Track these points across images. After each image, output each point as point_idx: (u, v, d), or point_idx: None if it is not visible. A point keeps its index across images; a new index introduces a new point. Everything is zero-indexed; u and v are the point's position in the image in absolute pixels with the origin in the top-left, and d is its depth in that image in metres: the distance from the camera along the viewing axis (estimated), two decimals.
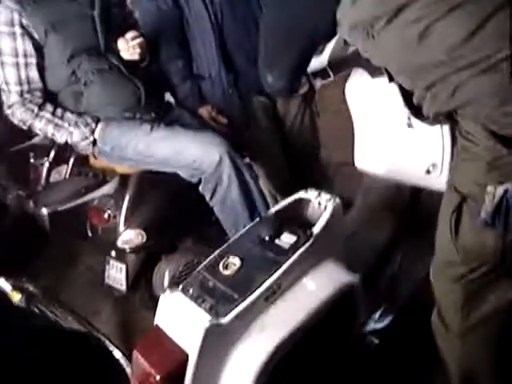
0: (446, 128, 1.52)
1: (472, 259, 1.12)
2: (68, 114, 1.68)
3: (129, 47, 1.69)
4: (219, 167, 1.55)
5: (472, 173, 1.06)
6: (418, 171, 1.60)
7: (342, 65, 1.54)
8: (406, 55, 1.05)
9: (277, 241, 1.32)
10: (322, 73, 1.56)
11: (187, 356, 1.14)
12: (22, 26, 1.57)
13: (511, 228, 1.02)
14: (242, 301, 1.18)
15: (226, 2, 1.94)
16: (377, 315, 1.60)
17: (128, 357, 1.76)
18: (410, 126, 1.59)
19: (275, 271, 1.23)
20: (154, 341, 1.21)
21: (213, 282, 1.24)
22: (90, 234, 1.88)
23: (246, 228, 1.40)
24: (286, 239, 1.32)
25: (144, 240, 1.80)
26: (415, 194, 1.85)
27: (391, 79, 1.25)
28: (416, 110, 1.29)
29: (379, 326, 1.56)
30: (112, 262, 1.84)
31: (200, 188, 1.66)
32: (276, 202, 1.85)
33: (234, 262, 1.28)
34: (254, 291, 1.20)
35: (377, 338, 1.51)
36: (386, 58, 1.14)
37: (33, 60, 1.62)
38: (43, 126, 1.65)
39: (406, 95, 1.27)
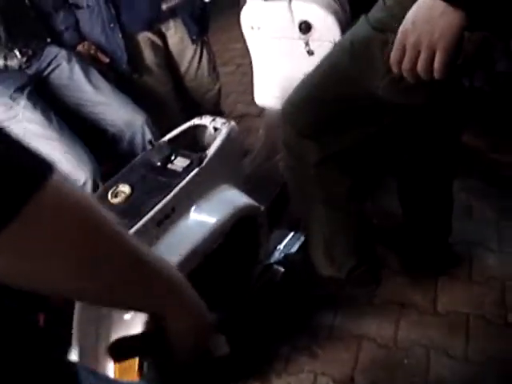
0: None
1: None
2: None
3: None
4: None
5: None
6: None
7: None
8: None
9: (169, 165, 1.23)
10: None
11: None
12: None
13: None
14: (132, 226, 1.09)
15: None
16: (282, 244, 1.58)
17: None
18: (309, 52, 1.56)
19: (167, 194, 1.15)
20: None
21: None
22: None
23: (137, 157, 1.31)
24: (179, 163, 1.23)
25: None
26: None
27: None
28: None
29: (288, 252, 1.54)
30: None
31: None
32: None
33: (124, 189, 1.18)
34: (144, 216, 1.11)
35: (283, 266, 1.48)
36: None
37: None
38: None
39: None
